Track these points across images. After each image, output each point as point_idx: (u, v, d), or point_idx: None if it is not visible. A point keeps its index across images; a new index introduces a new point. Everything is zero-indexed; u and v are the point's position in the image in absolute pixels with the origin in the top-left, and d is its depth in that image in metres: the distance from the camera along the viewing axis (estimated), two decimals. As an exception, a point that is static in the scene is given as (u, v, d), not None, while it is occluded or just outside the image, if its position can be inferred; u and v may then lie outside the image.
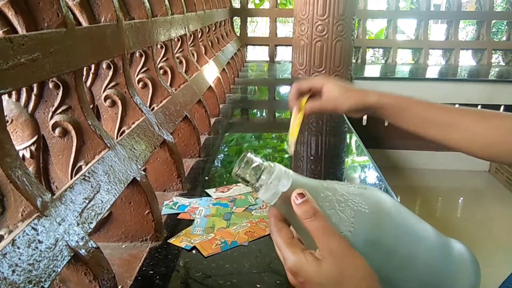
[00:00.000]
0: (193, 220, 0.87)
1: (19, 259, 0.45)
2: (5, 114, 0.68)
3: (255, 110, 2.04)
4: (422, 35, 3.64)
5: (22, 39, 0.53)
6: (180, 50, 1.55)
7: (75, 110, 0.69)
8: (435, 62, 4.19)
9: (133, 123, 0.90)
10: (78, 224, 0.57)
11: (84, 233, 0.57)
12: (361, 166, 1.29)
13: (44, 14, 0.63)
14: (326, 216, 0.41)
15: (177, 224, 0.86)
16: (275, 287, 0.67)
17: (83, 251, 0.54)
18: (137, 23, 0.97)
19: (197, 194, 1.01)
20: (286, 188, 0.42)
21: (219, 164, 1.25)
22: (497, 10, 3.96)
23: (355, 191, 0.43)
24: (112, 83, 0.89)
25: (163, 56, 1.32)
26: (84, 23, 0.81)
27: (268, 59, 3.58)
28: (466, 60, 3.94)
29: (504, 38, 3.78)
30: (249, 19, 3.62)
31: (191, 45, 1.72)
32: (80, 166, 0.71)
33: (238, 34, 3.49)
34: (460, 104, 3.51)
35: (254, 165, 0.43)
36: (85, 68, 0.86)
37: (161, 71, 1.29)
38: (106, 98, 0.89)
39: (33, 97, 0.68)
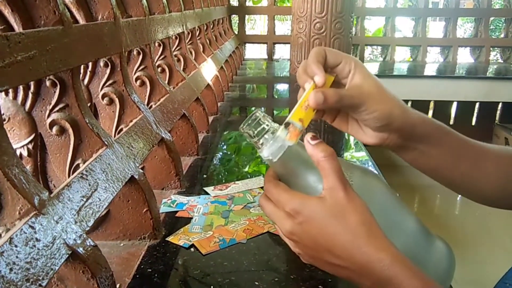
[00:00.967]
0: (191, 218, 0.87)
1: (17, 257, 0.44)
2: (2, 112, 0.68)
3: (253, 108, 2.04)
4: (420, 32, 3.65)
5: (19, 36, 0.52)
6: (178, 48, 1.55)
7: (72, 108, 0.69)
8: (433, 60, 4.21)
9: (131, 121, 0.90)
10: (75, 222, 0.56)
11: (82, 231, 0.57)
12: (359, 163, 1.29)
13: (40, 12, 0.63)
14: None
15: (175, 222, 0.86)
16: (273, 285, 0.67)
17: (81, 249, 0.54)
18: (135, 21, 0.97)
19: (195, 192, 1.01)
20: (292, 143, 0.43)
21: (217, 162, 1.25)
22: (495, 7, 3.97)
23: (355, 170, 0.45)
24: (110, 81, 0.89)
25: (161, 54, 1.32)
26: (81, 21, 0.80)
27: (266, 57, 3.58)
28: (464, 57, 3.95)
29: (502, 35, 3.79)
30: (246, 17, 3.62)
31: (189, 43, 1.71)
32: (78, 164, 0.71)
33: (236, 32, 3.49)
34: (458, 102, 3.52)
35: (260, 123, 0.44)
36: (82, 66, 0.86)
37: (159, 69, 1.29)
38: (103, 96, 0.89)
39: (30, 95, 0.68)
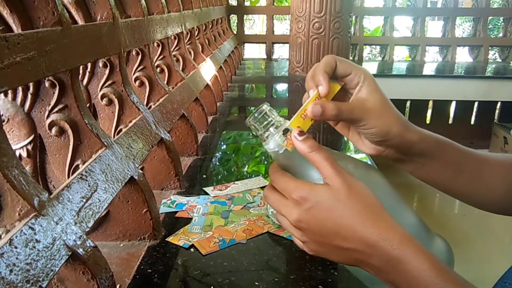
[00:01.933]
0: (191, 218, 0.87)
1: (17, 258, 0.44)
2: (1, 113, 0.68)
3: (252, 108, 2.04)
4: (419, 32, 3.65)
5: (18, 37, 0.52)
6: (177, 48, 1.55)
7: (71, 109, 0.69)
8: (432, 59, 4.21)
9: (130, 121, 0.90)
10: (75, 223, 0.56)
11: (82, 232, 0.57)
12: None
13: (39, 13, 0.63)
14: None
15: (175, 222, 0.86)
16: (273, 285, 0.67)
17: (81, 250, 0.54)
18: (134, 21, 0.97)
19: (195, 192, 1.01)
20: (290, 150, 0.44)
21: (217, 162, 1.25)
22: (493, 6, 3.98)
23: (357, 165, 0.46)
24: (109, 82, 0.89)
25: (159, 54, 1.32)
26: (80, 22, 0.80)
27: (265, 56, 3.58)
28: (463, 56, 3.95)
29: (500, 35, 3.79)
30: (245, 16, 3.62)
31: (188, 43, 1.71)
32: (77, 165, 0.71)
33: (235, 32, 3.49)
34: (457, 101, 3.53)
35: (266, 117, 0.45)
36: (81, 67, 0.86)
37: (158, 69, 1.29)
38: (102, 97, 0.89)
39: (29, 96, 0.68)
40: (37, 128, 0.70)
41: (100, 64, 0.88)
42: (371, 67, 3.53)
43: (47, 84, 0.67)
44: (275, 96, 2.40)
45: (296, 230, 0.44)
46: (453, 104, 3.62)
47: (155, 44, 1.29)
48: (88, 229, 0.59)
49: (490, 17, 3.75)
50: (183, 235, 0.80)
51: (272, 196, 0.45)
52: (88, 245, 0.56)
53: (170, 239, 0.79)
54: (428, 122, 3.58)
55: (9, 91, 0.68)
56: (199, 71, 1.63)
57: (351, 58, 3.47)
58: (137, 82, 1.10)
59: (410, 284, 0.38)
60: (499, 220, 2.67)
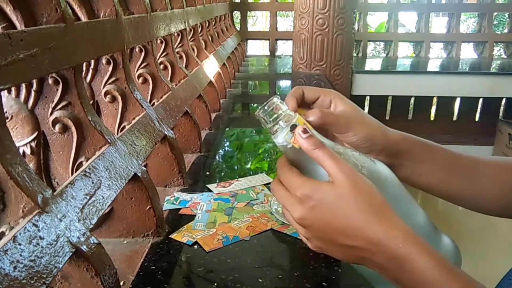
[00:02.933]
0: (195, 215, 0.87)
1: (21, 255, 0.45)
2: (5, 110, 0.68)
3: (256, 105, 2.04)
4: (423, 28, 3.63)
5: (21, 34, 0.52)
6: (180, 45, 1.54)
7: (75, 106, 0.69)
8: (436, 55, 4.18)
9: (134, 118, 0.90)
10: (79, 220, 0.56)
11: (86, 229, 0.57)
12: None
13: (42, 9, 0.62)
14: None
15: (179, 219, 0.86)
16: (277, 282, 0.67)
17: (85, 247, 0.54)
18: (137, 18, 0.96)
19: (198, 189, 1.01)
20: (297, 147, 0.44)
21: (220, 159, 1.25)
22: (498, 2, 3.94)
23: (365, 161, 0.45)
24: (112, 79, 0.89)
25: (163, 51, 1.31)
26: (83, 18, 0.80)
27: (268, 53, 3.57)
28: (468, 53, 3.92)
29: (506, 31, 3.77)
30: (248, 13, 3.61)
31: (191, 40, 1.71)
32: (81, 162, 0.71)
33: (238, 29, 3.48)
34: (461, 97, 3.51)
35: (276, 110, 0.44)
36: (84, 64, 0.86)
37: (161, 66, 1.29)
38: (106, 94, 0.89)
39: (32, 93, 0.68)
40: (41, 125, 0.70)
41: (104, 61, 0.88)
42: (375, 64, 3.52)
43: (50, 81, 0.67)
44: (278, 93, 2.39)
45: (300, 227, 0.44)
46: (458, 101, 3.59)
47: (158, 41, 1.29)
48: (91, 226, 0.59)
49: (495, 13, 3.72)
50: (187, 232, 0.80)
51: (278, 191, 0.45)
52: (91, 242, 0.56)
53: (173, 236, 0.79)
54: (432, 118, 3.56)
55: (13, 88, 0.68)
56: (202, 68, 1.63)
57: (354, 54, 3.46)
58: (141, 79, 1.10)
59: (415, 282, 0.38)
60: (503, 218, 2.65)
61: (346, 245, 0.41)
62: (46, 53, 0.57)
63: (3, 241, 0.44)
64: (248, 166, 1.21)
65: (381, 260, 0.39)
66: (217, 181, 1.04)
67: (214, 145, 1.34)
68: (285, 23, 6.36)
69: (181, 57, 1.53)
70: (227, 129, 1.54)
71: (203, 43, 1.87)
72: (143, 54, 1.09)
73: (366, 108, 3.43)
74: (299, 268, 0.71)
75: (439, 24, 6.99)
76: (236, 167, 1.20)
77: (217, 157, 1.26)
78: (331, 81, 2.46)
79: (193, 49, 1.69)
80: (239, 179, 1.05)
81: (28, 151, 0.70)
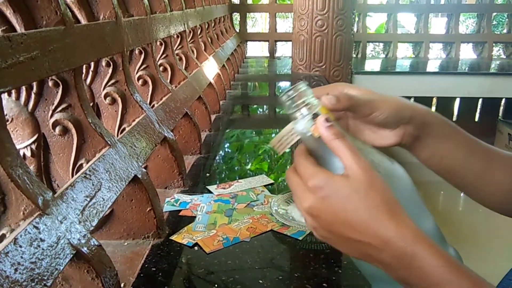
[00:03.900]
0: (195, 216, 0.87)
1: (21, 257, 0.45)
2: (5, 113, 0.67)
3: (255, 106, 2.04)
4: (423, 28, 3.63)
5: (21, 37, 0.52)
6: (180, 46, 1.55)
7: (75, 108, 0.69)
8: (435, 56, 4.18)
9: (134, 120, 0.90)
10: (79, 222, 0.57)
11: (86, 231, 0.57)
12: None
13: (42, 12, 0.63)
14: None
15: (179, 221, 0.86)
16: (277, 283, 0.67)
17: (85, 249, 0.54)
18: (136, 20, 0.97)
19: (198, 191, 1.01)
20: (316, 135, 0.43)
21: (220, 161, 1.25)
22: (497, 2, 3.95)
23: (383, 160, 0.45)
24: (112, 81, 0.89)
25: (162, 53, 1.32)
26: (83, 21, 0.80)
27: (268, 54, 3.57)
28: (467, 53, 3.93)
29: (505, 31, 3.77)
30: (247, 15, 3.61)
31: (190, 42, 1.71)
32: (81, 164, 0.71)
33: (237, 30, 3.48)
34: (461, 98, 3.51)
35: (301, 96, 0.44)
36: (84, 66, 0.86)
37: (161, 68, 1.29)
38: (106, 96, 0.89)
39: (32, 95, 0.68)
40: (41, 128, 0.70)
41: (103, 63, 0.88)
42: (375, 65, 3.52)
43: (50, 83, 0.68)
44: (278, 94, 2.39)
45: (307, 216, 0.43)
46: (457, 101, 3.60)
47: (158, 43, 1.29)
48: (92, 228, 0.59)
49: (494, 13, 3.73)
50: (187, 234, 0.80)
51: (292, 178, 0.44)
52: (92, 244, 0.56)
53: (174, 237, 0.79)
54: (432, 119, 3.56)
55: (13, 91, 0.68)
56: (202, 70, 1.63)
57: (354, 55, 3.46)
58: (140, 81, 1.10)
59: (423, 281, 0.38)
60: (503, 218, 2.65)
61: (353, 239, 0.41)
62: (46, 56, 0.57)
63: (4, 244, 0.44)
64: (248, 167, 1.21)
65: (388, 257, 0.39)
66: (217, 182, 1.05)
67: (214, 147, 1.34)
68: (284, 24, 6.37)
69: (180, 59, 1.53)
70: (227, 130, 1.54)
71: (203, 45, 1.87)
72: (142, 56, 1.09)
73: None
74: (299, 269, 0.71)
75: (438, 24, 6.99)
76: (236, 169, 1.20)
77: (217, 158, 1.26)
78: (330, 82, 2.47)
79: (192, 51, 1.69)
80: (239, 180, 1.05)
81: (28, 153, 0.71)
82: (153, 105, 1.08)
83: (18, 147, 0.68)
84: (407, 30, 5.86)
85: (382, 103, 0.48)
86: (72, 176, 0.71)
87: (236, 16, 3.58)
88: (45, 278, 0.46)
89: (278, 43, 3.59)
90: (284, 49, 3.91)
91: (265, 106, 2.07)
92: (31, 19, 0.63)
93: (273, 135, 1.54)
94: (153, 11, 1.18)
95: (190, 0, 1.63)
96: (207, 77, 1.66)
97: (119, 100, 0.89)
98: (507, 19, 3.74)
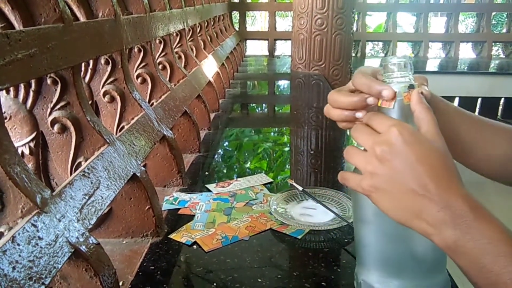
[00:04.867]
0: (194, 215, 0.87)
1: (19, 255, 0.44)
2: (4, 110, 0.67)
3: (254, 105, 2.04)
4: (422, 28, 3.63)
5: (19, 34, 0.52)
6: (179, 45, 1.54)
7: (73, 106, 0.69)
8: (435, 55, 4.18)
9: (133, 118, 0.90)
10: (78, 220, 0.56)
11: (85, 229, 0.57)
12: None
13: (41, 9, 0.62)
14: None
15: (178, 219, 0.86)
16: (276, 281, 0.67)
17: (84, 247, 0.54)
18: (135, 18, 0.96)
19: (197, 189, 1.00)
20: (407, 104, 0.45)
21: (219, 159, 1.25)
22: (497, 1, 3.95)
23: None
24: (111, 79, 0.89)
25: (161, 51, 1.31)
26: (82, 18, 0.80)
27: (267, 53, 3.57)
28: (466, 52, 3.93)
29: (504, 30, 3.77)
30: (247, 13, 3.61)
31: (190, 40, 1.71)
32: (80, 162, 0.71)
33: (237, 29, 3.48)
34: (460, 97, 3.51)
35: (403, 68, 0.46)
36: (83, 64, 0.86)
37: (160, 66, 1.29)
38: (105, 94, 0.89)
39: (31, 93, 0.68)
40: (39, 126, 0.70)
41: (102, 61, 0.88)
42: (374, 64, 3.51)
43: (49, 81, 0.67)
44: (277, 93, 2.39)
45: (374, 159, 0.42)
46: (456, 100, 3.60)
47: (157, 41, 1.29)
48: (90, 226, 0.59)
49: (493, 13, 3.73)
50: (186, 232, 0.80)
51: (363, 128, 0.45)
52: (90, 242, 0.56)
53: (172, 236, 0.79)
54: (431, 118, 3.56)
55: (11, 88, 0.68)
56: (201, 68, 1.63)
57: (353, 54, 3.46)
58: (139, 79, 1.10)
59: (481, 241, 0.37)
60: (503, 216, 2.65)
61: (415, 193, 0.40)
62: (44, 53, 0.57)
63: (2, 242, 0.44)
64: (247, 166, 1.21)
65: (447, 216, 0.39)
66: (216, 181, 1.04)
67: (213, 145, 1.34)
68: (284, 23, 6.37)
69: (180, 57, 1.53)
70: (226, 129, 1.54)
71: (202, 43, 1.87)
72: (141, 54, 1.09)
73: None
74: (298, 268, 0.71)
75: (437, 24, 6.99)
76: (235, 167, 1.20)
77: (216, 157, 1.26)
78: (330, 81, 2.46)
79: (192, 49, 1.69)
80: (238, 179, 1.05)
81: (26, 151, 0.70)
82: (152, 104, 1.08)
83: (16, 145, 0.68)
84: (405, 30, 5.86)
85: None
86: (71, 174, 0.70)
87: (236, 15, 3.57)
88: (43, 276, 0.46)
89: (277, 41, 3.58)
90: (283, 48, 3.91)
91: (264, 105, 2.06)
92: (30, 17, 0.62)
93: (272, 134, 1.54)
94: (152, 9, 1.18)
95: (189, -2, 1.63)
96: (206, 75, 1.66)
97: (118, 98, 0.89)
98: (506, 19, 3.74)
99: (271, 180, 1.04)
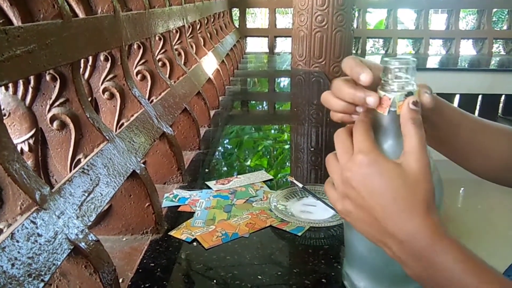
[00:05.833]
0: (194, 212, 0.87)
1: (19, 252, 0.44)
2: (2, 107, 0.67)
3: (255, 102, 2.04)
4: (423, 24, 3.62)
5: (18, 30, 0.52)
6: (179, 42, 1.54)
7: (72, 102, 0.69)
8: (435, 52, 4.18)
9: (132, 115, 0.90)
10: (77, 217, 0.56)
11: (84, 226, 0.56)
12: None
13: (39, 5, 0.62)
14: None
15: (178, 216, 0.86)
16: (276, 278, 0.66)
17: (83, 244, 0.54)
18: (135, 15, 0.96)
19: (197, 186, 1.00)
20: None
21: (219, 156, 1.25)
22: (498, -2, 3.93)
23: (436, 173, 0.46)
24: (110, 75, 0.88)
25: (161, 48, 1.31)
26: (81, 15, 0.80)
27: (267, 50, 3.56)
28: (467, 49, 3.92)
29: (505, 27, 3.76)
30: (247, 10, 3.60)
31: (189, 37, 1.70)
32: (79, 159, 0.71)
33: (237, 26, 3.47)
34: (461, 94, 3.50)
35: (407, 72, 0.43)
36: (82, 60, 0.85)
37: (160, 63, 1.28)
38: (104, 91, 0.88)
39: (30, 89, 0.68)
40: (39, 122, 0.69)
41: (102, 58, 0.87)
42: (374, 61, 3.51)
43: (48, 77, 0.67)
44: (277, 90, 2.39)
45: (342, 185, 0.43)
46: (457, 98, 3.60)
47: (157, 38, 1.28)
48: (90, 223, 0.59)
49: (494, 10, 3.71)
50: (186, 229, 0.80)
51: (343, 140, 0.44)
52: (90, 239, 0.56)
53: (172, 233, 0.79)
54: (431, 115, 3.56)
55: (10, 85, 0.67)
56: (201, 65, 1.62)
57: (354, 51, 3.45)
58: (139, 76, 1.09)
59: (441, 275, 0.38)
60: (502, 214, 2.66)
61: (379, 224, 0.40)
62: (43, 49, 0.57)
63: (1, 239, 0.44)
64: (248, 163, 1.20)
65: (404, 254, 0.39)
66: (216, 178, 1.04)
67: (213, 142, 1.34)
68: (284, 20, 6.35)
69: (179, 54, 1.53)
70: (226, 126, 1.54)
71: (202, 40, 1.86)
72: (141, 51, 1.08)
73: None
74: (298, 265, 0.70)
75: (438, 20, 6.97)
76: (235, 164, 1.20)
77: (216, 154, 1.26)
78: (330, 78, 2.46)
79: (191, 46, 1.68)
80: (238, 176, 1.05)
81: (26, 148, 0.70)
82: (152, 100, 1.08)
83: (15, 142, 0.68)
84: (406, 26, 5.85)
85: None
86: (70, 171, 0.70)
87: (236, 12, 3.56)
88: (43, 273, 0.46)
89: (277, 38, 3.57)
90: (283, 45, 3.90)
91: (264, 102, 2.06)
92: (28, 13, 0.62)
93: (273, 131, 1.54)
94: (152, 5, 1.17)
95: (189, -5, 1.62)
96: (206, 72, 1.66)
97: (118, 95, 0.88)
98: (507, 16, 3.73)
99: (271, 177, 1.04)
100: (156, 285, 0.65)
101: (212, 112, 1.62)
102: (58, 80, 0.67)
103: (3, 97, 0.68)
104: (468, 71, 3.12)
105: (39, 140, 0.70)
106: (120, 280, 0.65)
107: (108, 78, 0.88)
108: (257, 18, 7.89)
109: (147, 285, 0.65)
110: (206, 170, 1.12)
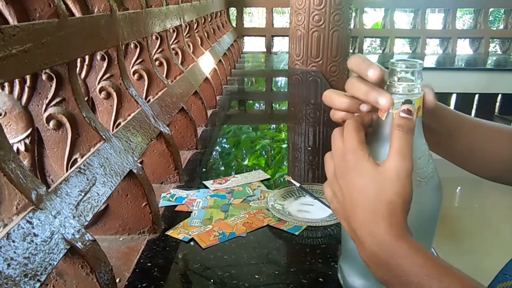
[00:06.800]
0: (191, 212, 0.86)
1: (14, 252, 0.44)
2: (-2, 106, 0.67)
3: (252, 102, 2.03)
4: (419, 24, 3.63)
5: (13, 29, 0.52)
6: (176, 41, 1.53)
7: (69, 102, 0.68)
8: (432, 51, 4.19)
9: (129, 115, 0.90)
10: (74, 217, 0.56)
11: (80, 226, 0.56)
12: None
13: (35, 4, 0.62)
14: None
15: (175, 216, 0.86)
16: (273, 278, 0.66)
17: (80, 244, 0.54)
18: (132, 14, 0.96)
19: (194, 186, 1.00)
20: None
21: (217, 156, 1.25)
22: (494, -2, 3.94)
23: (433, 174, 0.47)
24: (107, 75, 0.88)
25: (158, 47, 1.31)
26: (77, 14, 0.79)
27: (265, 50, 3.56)
28: (464, 49, 3.93)
29: (501, 27, 3.77)
30: (244, 9, 3.59)
31: (186, 36, 1.70)
32: (76, 159, 0.70)
33: (234, 25, 3.46)
34: (457, 93, 3.52)
35: (412, 75, 0.42)
36: (79, 60, 0.85)
37: (157, 63, 1.28)
38: (101, 90, 0.88)
39: (26, 89, 0.67)
40: (35, 122, 0.69)
41: (98, 57, 0.87)
42: (372, 60, 3.51)
43: (44, 77, 0.67)
44: (274, 89, 2.39)
45: (335, 179, 0.44)
46: (454, 97, 3.61)
47: (154, 37, 1.28)
48: (86, 222, 0.58)
49: (491, 9, 3.73)
50: (183, 229, 0.80)
51: (337, 140, 0.45)
52: (87, 238, 0.56)
53: (169, 232, 0.79)
54: (428, 115, 3.57)
55: (6, 84, 0.67)
56: (198, 65, 1.62)
57: (351, 51, 3.46)
58: (136, 75, 1.09)
59: (402, 278, 0.38)
60: (498, 213, 2.67)
61: (349, 221, 0.42)
62: (39, 49, 0.57)
63: (-4, 238, 0.44)
64: (245, 162, 1.20)
65: (366, 256, 0.41)
66: (214, 177, 1.04)
67: (210, 142, 1.34)
68: (281, 19, 6.35)
69: (176, 53, 1.52)
70: (223, 125, 1.54)
71: (199, 40, 1.86)
72: (138, 50, 1.08)
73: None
74: (295, 264, 0.71)
75: (435, 20, 6.99)
76: (232, 164, 1.20)
77: (213, 153, 1.25)
78: (327, 77, 2.46)
79: (188, 46, 1.68)
80: (236, 175, 1.05)
81: (22, 148, 0.70)
82: (149, 100, 1.07)
83: (11, 141, 0.67)
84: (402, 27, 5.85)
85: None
86: (66, 170, 0.70)
87: (233, 11, 3.56)
88: (39, 273, 0.46)
89: (275, 38, 3.57)
90: (281, 45, 3.90)
91: (262, 102, 2.06)
92: (24, 12, 0.62)
93: (270, 130, 1.54)
94: (149, 4, 1.17)
95: (186, -6, 1.62)
96: (203, 72, 1.65)
97: (114, 94, 0.88)
98: (503, 15, 3.74)
99: (268, 176, 1.04)
100: (153, 285, 0.65)
101: (209, 112, 1.62)
102: (55, 80, 0.67)
103: (-1, 97, 0.68)
104: (465, 70, 3.13)
105: (35, 139, 0.70)
106: (117, 280, 0.65)
107: (104, 77, 0.88)
108: (255, 17, 7.89)
109: (144, 285, 0.65)
110: (203, 169, 1.12)
